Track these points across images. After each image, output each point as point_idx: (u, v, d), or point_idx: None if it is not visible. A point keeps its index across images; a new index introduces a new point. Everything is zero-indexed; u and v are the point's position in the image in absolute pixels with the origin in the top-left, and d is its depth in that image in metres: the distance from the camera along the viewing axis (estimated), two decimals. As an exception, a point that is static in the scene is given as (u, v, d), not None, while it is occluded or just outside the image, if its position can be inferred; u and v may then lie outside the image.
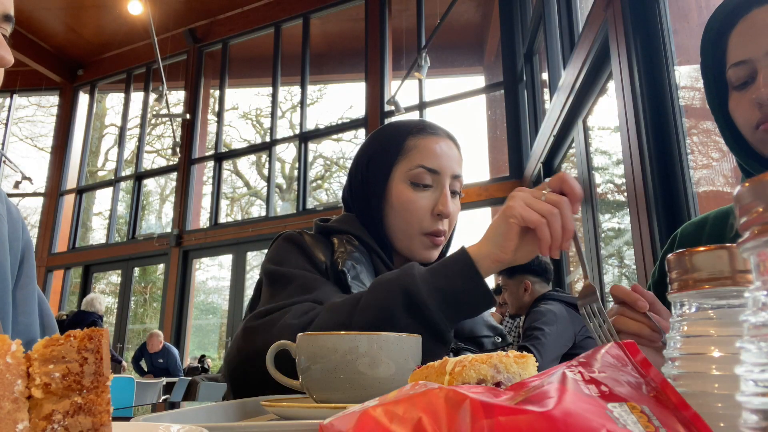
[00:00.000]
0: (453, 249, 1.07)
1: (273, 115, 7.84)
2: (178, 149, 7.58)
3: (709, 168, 2.38)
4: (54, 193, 8.94)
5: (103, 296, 5.92)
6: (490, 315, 1.05)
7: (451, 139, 1.01)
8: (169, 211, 9.29)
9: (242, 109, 11.05)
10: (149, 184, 9.48)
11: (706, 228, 1.01)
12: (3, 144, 9.68)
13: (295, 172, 8.13)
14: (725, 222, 0.98)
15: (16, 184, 7.93)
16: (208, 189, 8.25)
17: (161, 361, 6.40)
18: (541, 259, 2.80)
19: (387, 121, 6.64)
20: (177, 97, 8.71)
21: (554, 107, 4.04)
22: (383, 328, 0.72)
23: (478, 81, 8.55)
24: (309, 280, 0.88)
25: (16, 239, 0.84)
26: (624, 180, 2.74)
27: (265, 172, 8.93)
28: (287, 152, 9.47)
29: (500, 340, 1.01)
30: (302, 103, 7.54)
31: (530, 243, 0.78)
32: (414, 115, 6.47)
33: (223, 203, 9.19)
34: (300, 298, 0.85)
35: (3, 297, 0.79)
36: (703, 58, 0.93)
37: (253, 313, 0.84)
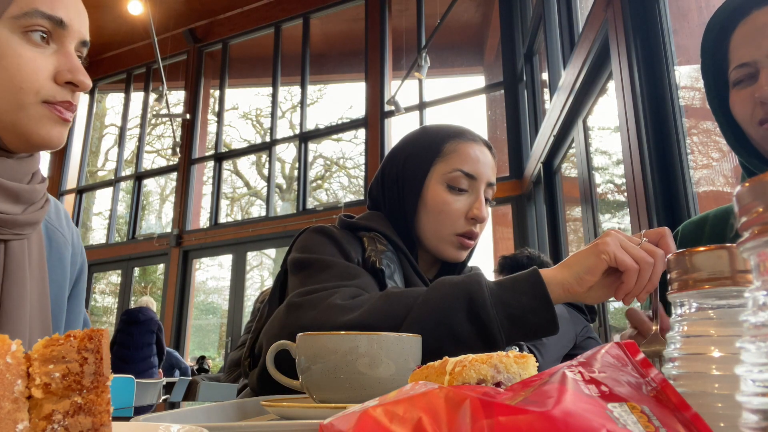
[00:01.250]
0: (474, 257, 1.07)
1: (273, 115, 7.84)
2: (178, 149, 7.58)
3: (709, 168, 2.38)
4: (54, 193, 8.94)
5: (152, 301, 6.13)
6: None
7: (488, 147, 1.02)
8: (169, 211, 9.29)
9: (242, 109, 11.04)
10: (149, 184, 9.48)
11: (706, 227, 1.01)
12: (3, 144, 9.67)
13: (295, 172, 8.13)
14: (726, 221, 0.98)
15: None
16: (208, 189, 8.25)
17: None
18: (544, 259, 2.80)
19: (387, 121, 6.64)
20: (177, 97, 8.71)
21: (554, 107, 4.04)
22: (440, 329, 0.72)
23: (478, 81, 8.55)
24: (349, 268, 0.86)
25: (74, 263, 0.91)
26: (624, 180, 2.74)
27: (265, 172, 8.92)
28: (287, 152, 9.47)
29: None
30: (302, 103, 7.54)
31: (608, 286, 0.76)
32: (414, 115, 6.47)
33: (223, 203, 9.18)
34: (343, 282, 0.83)
35: (58, 316, 0.84)
36: (703, 59, 0.94)
37: (296, 291, 0.82)
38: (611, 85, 2.89)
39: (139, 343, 5.32)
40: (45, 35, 0.74)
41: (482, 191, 0.97)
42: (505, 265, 2.93)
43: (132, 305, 8.25)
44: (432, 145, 0.99)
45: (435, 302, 0.75)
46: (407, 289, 0.81)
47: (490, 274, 3.05)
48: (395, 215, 1.00)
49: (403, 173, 1.00)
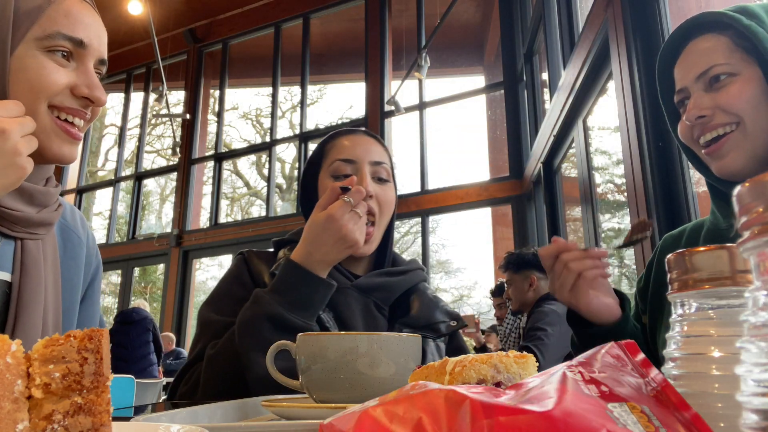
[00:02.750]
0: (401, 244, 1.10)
1: (273, 115, 7.84)
2: (178, 149, 7.58)
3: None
4: (54, 193, 8.95)
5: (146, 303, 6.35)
6: (445, 303, 1.11)
7: (369, 134, 1.12)
8: (169, 211, 9.29)
9: (242, 109, 11.05)
10: (149, 184, 9.48)
11: (682, 240, 1.04)
12: (3, 144, 9.66)
13: (295, 172, 8.13)
14: (699, 232, 1.01)
15: (16, 184, 7.91)
16: (208, 189, 8.25)
17: (170, 361, 6.44)
18: None
19: (387, 121, 6.65)
20: (177, 97, 8.71)
21: (554, 107, 4.04)
22: (262, 356, 0.82)
23: (478, 81, 8.55)
24: (219, 324, 0.97)
25: (89, 264, 0.96)
26: (624, 180, 2.74)
27: (265, 172, 8.93)
28: (287, 152, 9.48)
29: (455, 323, 1.07)
30: (302, 103, 7.54)
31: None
32: (414, 115, 6.47)
33: (223, 203, 9.19)
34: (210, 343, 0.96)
35: (71, 312, 0.89)
36: (659, 89, 1.04)
37: (189, 360, 0.98)
38: (611, 85, 2.89)
39: (136, 343, 5.40)
40: (66, 54, 0.78)
41: (366, 170, 1.04)
42: (511, 260, 2.92)
43: (132, 305, 8.27)
44: (316, 153, 1.11)
45: (248, 341, 0.87)
46: (222, 340, 0.92)
47: (490, 274, 3.05)
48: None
49: (305, 183, 1.12)
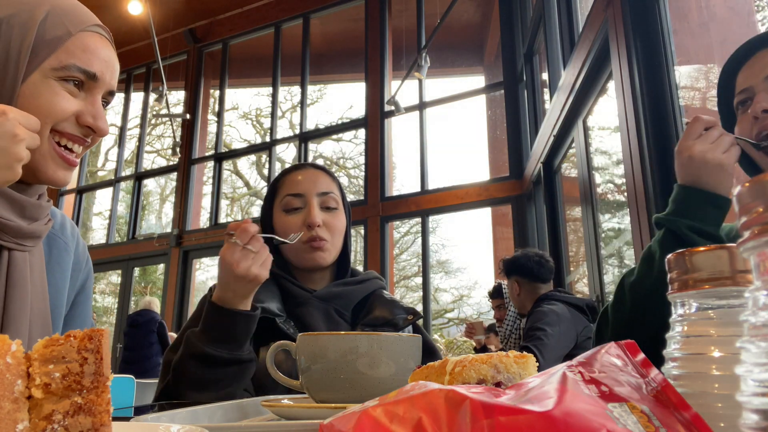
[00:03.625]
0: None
1: (273, 115, 7.83)
2: (178, 149, 7.58)
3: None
4: (54, 193, 8.94)
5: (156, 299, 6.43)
6: (403, 302, 1.20)
7: (317, 167, 1.22)
8: (169, 211, 9.28)
9: (242, 109, 11.05)
10: (149, 184, 9.48)
11: None
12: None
13: (295, 172, 8.10)
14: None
15: (16, 184, 7.91)
16: (208, 189, 8.24)
17: None
18: (534, 259, 2.81)
19: (387, 121, 6.64)
20: (177, 97, 8.71)
21: (554, 107, 4.04)
22: (196, 392, 0.93)
23: (478, 81, 8.55)
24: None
25: (77, 270, 0.98)
26: (624, 180, 2.74)
27: (265, 172, 8.93)
28: (287, 152, 9.47)
29: (412, 316, 1.15)
30: (302, 103, 7.54)
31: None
32: (414, 116, 6.47)
33: (223, 203, 9.19)
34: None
35: (56, 320, 0.91)
36: (719, 95, 1.07)
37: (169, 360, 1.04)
38: (611, 85, 2.89)
39: (140, 344, 5.64)
40: (77, 83, 0.82)
41: (313, 202, 1.15)
42: (502, 265, 2.94)
43: (132, 305, 8.27)
44: (271, 188, 1.22)
45: (181, 376, 0.95)
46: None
47: (490, 274, 3.05)
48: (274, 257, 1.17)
49: (263, 217, 1.21)
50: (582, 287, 4.15)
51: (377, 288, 1.21)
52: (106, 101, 0.87)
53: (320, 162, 10.38)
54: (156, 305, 6.15)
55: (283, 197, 1.16)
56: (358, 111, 7.52)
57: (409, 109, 6.29)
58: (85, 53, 0.81)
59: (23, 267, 0.82)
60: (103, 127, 0.84)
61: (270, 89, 7.88)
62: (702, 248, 0.35)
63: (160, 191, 11.38)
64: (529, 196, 5.29)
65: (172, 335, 6.67)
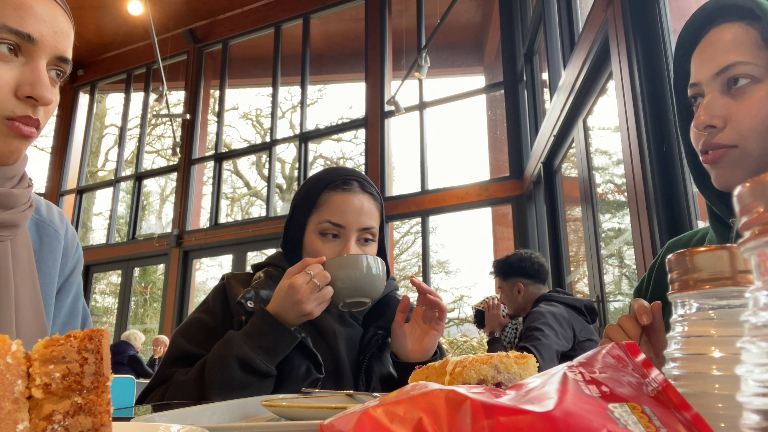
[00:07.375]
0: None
1: (273, 115, 7.83)
2: (178, 149, 7.58)
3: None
4: (54, 193, 8.94)
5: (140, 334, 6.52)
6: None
7: (365, 189, 1.14)
8: (169, 212, 9.28)
9: (242, 109, 11.05)
10: (149, 184, 9.47)
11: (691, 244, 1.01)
12: (3, 144, 9.65)
13: (295, 172, 8.13)
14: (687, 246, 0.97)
15: (16, 185, 7.90)
16: (208, 189, 8.24)
17: None
18: (534, 260, 2.79)
19: (387, 121, 6.64)
20: (177, 97, 8.71)
21: (554, 107, 4.04)
22: (223, 393, 0.93)
23: (478, 81, 8.55)
24: (186, 357, 1.05)
25: (66, 256, 0.93)
26: (624, 180, 2.74)
27: (265, 172, 8.92)
28: (287, 152, 9.48)
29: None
30: (302, 103, 7.54)
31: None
32: (414, 115, 6.47)
33: (223, 203, 9.19)
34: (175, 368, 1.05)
35: (47, 306, 0.87)
36: (674, 77, 0.93)
37: (156, 373, 1.05)
38: (611, 85, 2.89)
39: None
40: (12, 48, 0.72)
41: (351, 237, 1.10)
42: (497, 268, 2.91)
43: (132, 305, 8.28)
44: (309, 197, 1.14)
45: (217, 377, 0.95)
46: (192, 373, 1.00)
47: (489, 273, 3.05)
48: (289, 256, 1.18)
49: (290, 225, 1.17)
50: (582, 287, 4.15)
51: (391, 290, 1.21)
52: (59, 70, 0.77)
53: (320, 162, 10.39)
54: (135, 338, 6.22)
55: (323, 220, 1.10)
56: (358, 111, 7.52)
57: (409, 109, 6.29)
58: (18, 11, 0.70)
59: (3, 258, 0.76)
60: (44, 94, 0.72)
61: (270, 89, 7.88)
62: (703, 248, 0.35)
63: (160, 191, 11.38)
64: (529, 196, 5.29)
65: (161, 338, 6.68)
